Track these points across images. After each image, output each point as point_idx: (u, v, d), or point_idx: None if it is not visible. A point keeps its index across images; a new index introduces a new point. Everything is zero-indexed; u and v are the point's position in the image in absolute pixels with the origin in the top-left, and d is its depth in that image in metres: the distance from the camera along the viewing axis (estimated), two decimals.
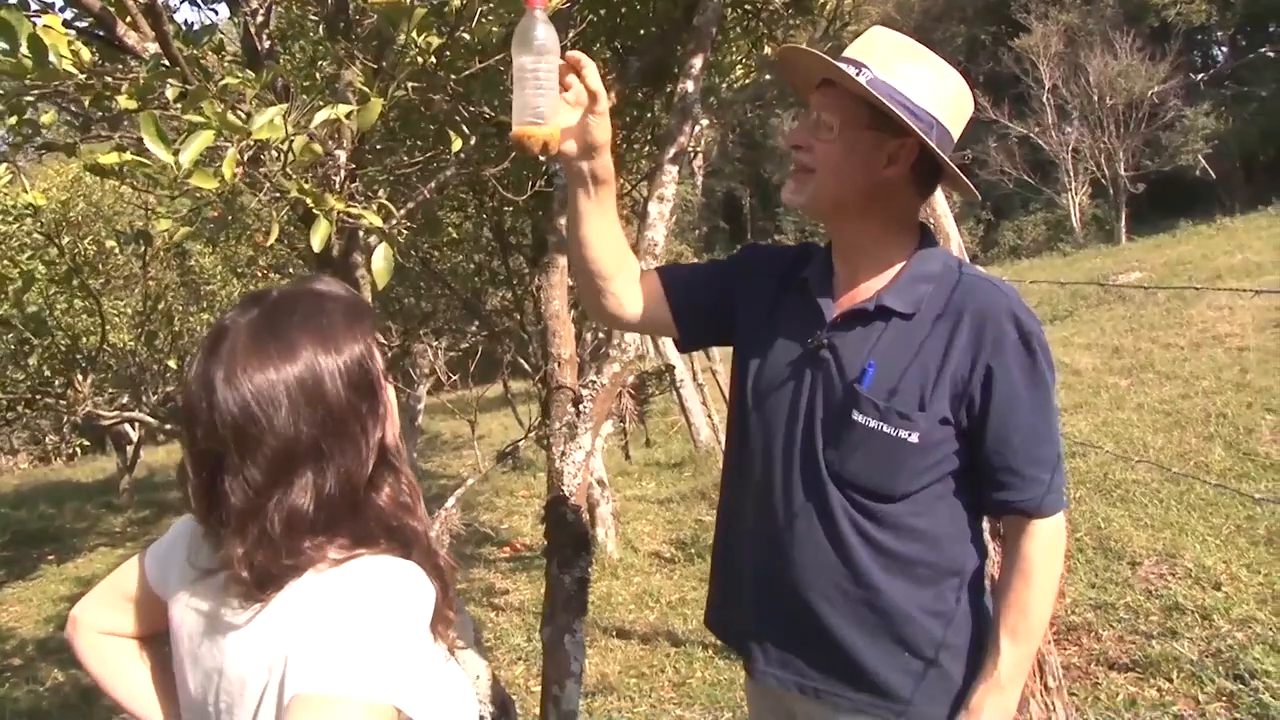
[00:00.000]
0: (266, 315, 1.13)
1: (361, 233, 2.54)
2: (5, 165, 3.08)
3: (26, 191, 2.71)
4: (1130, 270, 16.69)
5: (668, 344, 9.34)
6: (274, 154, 1.72)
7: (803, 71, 1.72)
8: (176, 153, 1.58)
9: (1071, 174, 31.57)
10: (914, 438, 1.59)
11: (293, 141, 1.68)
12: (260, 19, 2.92)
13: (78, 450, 19.86)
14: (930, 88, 1.61)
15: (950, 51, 36.05)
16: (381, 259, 1.78)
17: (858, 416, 1.62)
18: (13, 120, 2.45)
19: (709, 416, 9.60)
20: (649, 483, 9.37)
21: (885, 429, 1.60)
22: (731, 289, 1.88)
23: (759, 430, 1.77)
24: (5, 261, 2.96)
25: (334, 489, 1.10)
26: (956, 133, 1.67)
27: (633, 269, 1.84)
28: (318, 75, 3.80)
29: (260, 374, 1.08)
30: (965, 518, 1.70)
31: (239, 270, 9.70)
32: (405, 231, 4.58)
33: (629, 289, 1.83)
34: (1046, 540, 1.64)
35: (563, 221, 2.95)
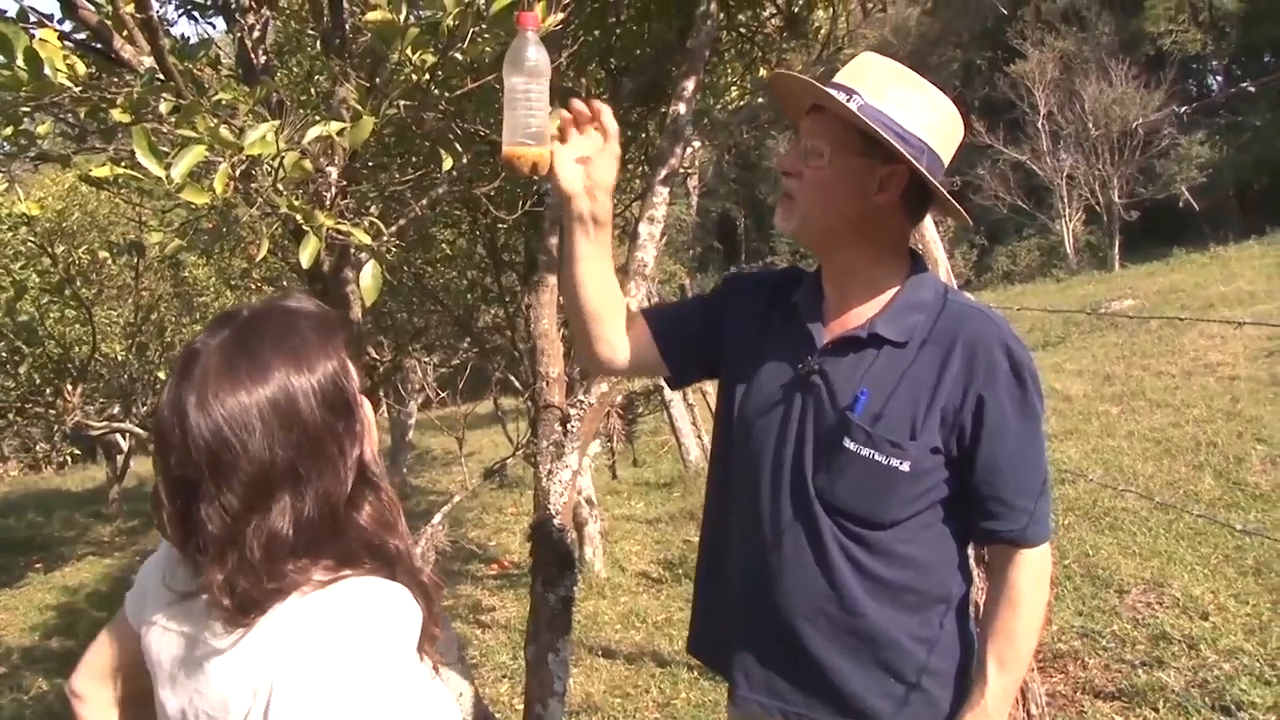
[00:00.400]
0: (237, 336, 1.11)
1: (353, 249, 2.55)
2: (0, 174, 3.08)
3: (21, 201, 2.71)
4: (1123, 297, 16.73)
5: None
6: (266, 169, 1.73)
7: (794, 97, 1.73)
8: (169, 167, 1.59)
9: (1066, 200, 31.70)
10: (905, 466, 1.60)
11: (284, 158, 1.69)
12: (256, 34, 2.94)
13: (68, 459, 19.78)
14: (921, 114, 1.62)
15: (946, 76, 36.27)
16: (370, 276, 1.78)
17: (849, 444, 1.62)
18: (9, 131, 2.47)
19: (699, 437, 9.59)
20: (638, 502, 9.36)
21: (876, 457, 1.61)
22: (717, 321, 1.89)
23: (746, 454, 1.77)
24: None
25: (313, 511, 1.08)
26: (947, 158, 1.68)
27: (622, 313, 1.85)
28: (313, 91, 3.81)
29: (232, 398, 1.06)
30: (953, 545, 1.71)
31: (232, 282, 9.71)
32: (397, 248, 4.59)
33: (618, 335, 1.84)
34: (1033, 569, 1.65)
35: (554, 241, 2.97)
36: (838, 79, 1.65)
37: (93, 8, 2.28)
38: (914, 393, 1.62)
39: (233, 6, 2.95)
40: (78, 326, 4.97)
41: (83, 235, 7.81)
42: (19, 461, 21.39)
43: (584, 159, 1.62)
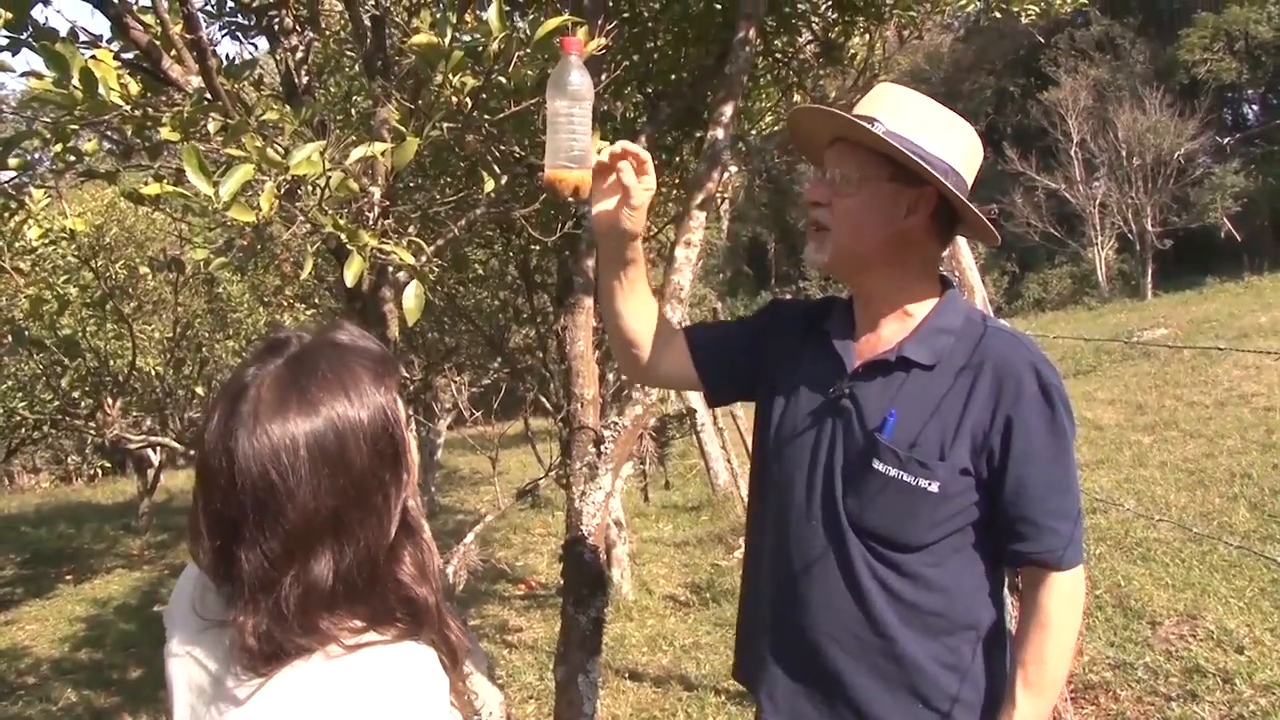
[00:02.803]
0: (289, 371, 1.08)
1: (391, 268, 2.57)
2: (45, 189, 3.14)
3: (65, 216, 2.76)
4: (1156, 326, 16.61)
5: (689, 392, 9.34)
6: (310, 189, 1.75)
7: (813, 132, 1.76)
8: (216, 185, 1.61)
9: (1098, 228, 31.53)
10: (934, 487, 1.60)
11: (330, 177, 1.71)
12: (300, 55, 2.98)
13: (99, 471, 19.99)
14: (942, 137, 1.64)
15: (979, 103, 36.27)
16: (413, 296, 1.80)
17: (878, 465, 1.63)
18: (58, 148, 2.51)
19: (728, 461, 9.57)
20: (666, 525, 9.34)
21: (905, 478, 1.61)
22: (756, 345, 1.91)
23: (779, 477, 1.79)
24: (41, 284, 3.01)
25: (353, 563, 1.06)
26: (970, 178, 1.70)
27: (664, 333, 1.91)
28: (353, 111, 3.85)
29: (281, 437, 1.03)
30: (983, 571, 1.70)
31: (266, 299, 9.80)
32: (436, 268, 4.62)
33: (659, 352, 1.90)
34: (1065, 593, 1.64)
35: (589, 263, 2.98)
36: (857, 111, 1.68)
37: (142, 28, 2.32)
38: (942, 414, 1.62)
39: (275, 28, 2.99)
40: (115, 341, 5.02)
41: (120, 250, 7.91)
42: (50, 474, 21.66)
43: (620, 201, 1.66)
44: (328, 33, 3.96)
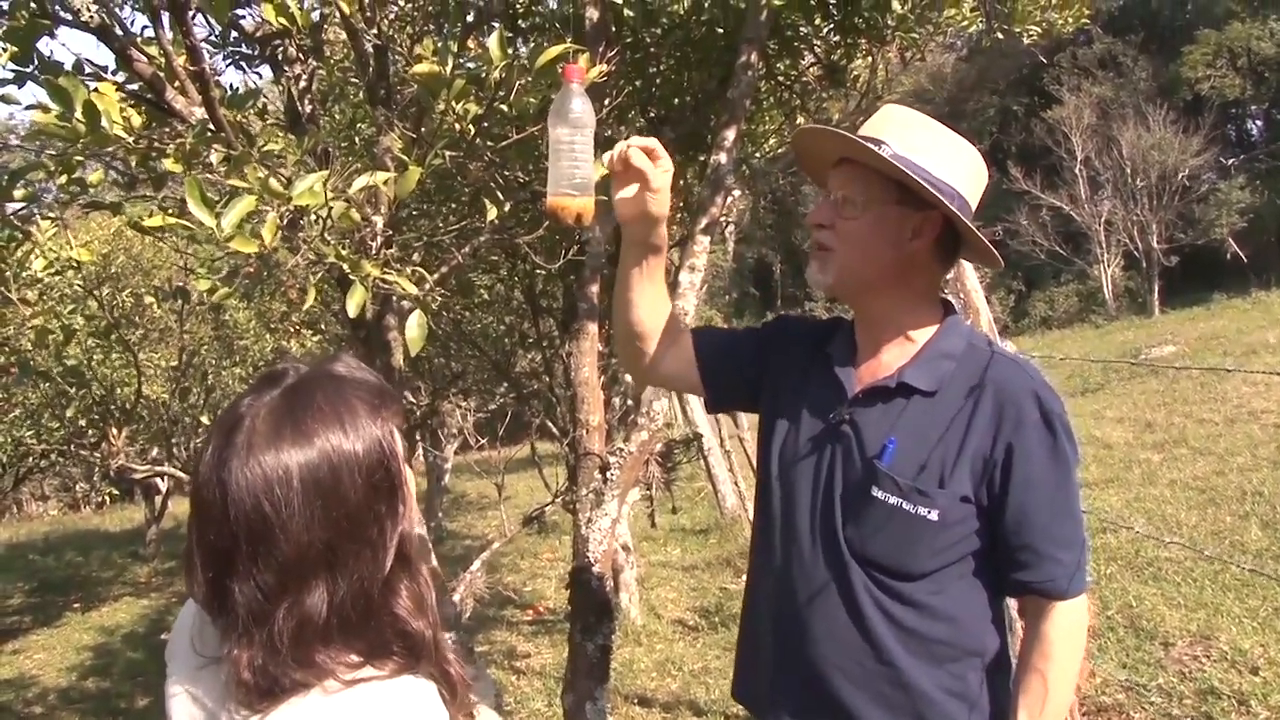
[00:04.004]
0: (284, 402, 1.07)
1: (395, 296, 2.57)
2: (51, 220, 3.15)
3: (71, 246, 2.76)
4: (1164, 343, 16.55)
5: (697, 411, 9.35)
6: (313, 219, 1.75)
7: (818, 153, 1.76)
8: (218, 216, 1.61)
9: (1104, 246, 31.49)
10: (934, 515, 1.59)
11: (332, 208, 1.71)
12: (303, 84, 3.00)
13: (107, 499, 19.98)
14: (948, 160, 1.64)
15: (982, 122, 36.34)
16: (415, 326, 1.80)
17: (877, 493, 1.62)
18: (63, 179, 2.52)
19: (735, 484, 9.54)
20: (674, 549, 9.30)
21: (905, 506, 1.60)
22: (761, 357, 1.91)
23: (781, 504, 1.78)
24: (47, 314, 3.02)
25: (348, 597, 1.04)
26: (975, 202, 1.70)
27: (672, 331, 1.90)
28: (356, 139, 3.86)
29: (275, 470, 1.02)
30: (987, 598, 1.68)
31: (272, 326, 9.81)
32: (439, 295, 4.62)
33: (664, 350, 1.90)
34: (1067, 623, 1.62)
35: (594, 289, 2.98)
36: (863, 132, 1.67)
37: (146, 60, 2.33)
38: (943, 441, 1.61)
39: (279, 57, 3.01)
40: (121, 370, 5.03)
41: (127, 279, 7.94)
42: (59, 501, 21.67)
43: (640, 187, 1.65)
44: (332, 60, 3.98)
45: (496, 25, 1.92)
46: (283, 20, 1.85)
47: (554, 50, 1.79)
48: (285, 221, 1.82)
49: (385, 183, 1.87)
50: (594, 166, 1.70)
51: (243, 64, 3.30)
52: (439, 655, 1.13)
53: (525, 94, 1.87)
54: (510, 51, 1.81)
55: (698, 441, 9.40)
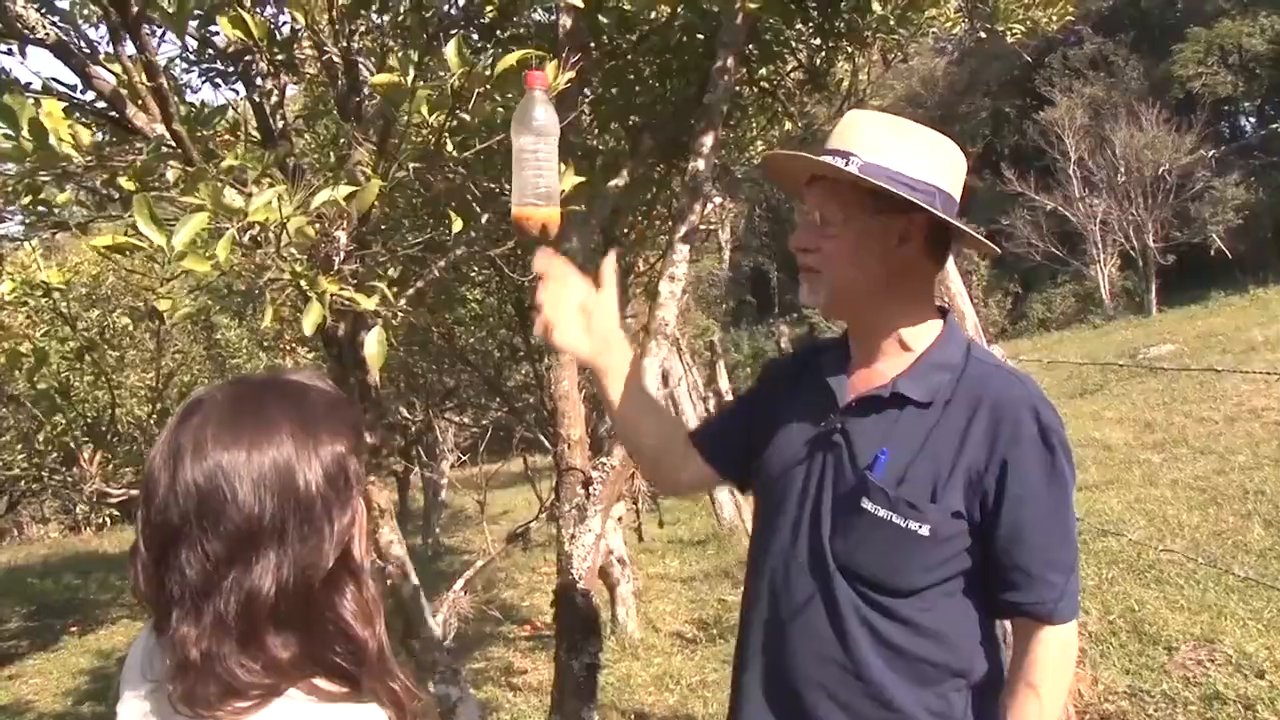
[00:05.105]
0: (247, 393, 1.09)
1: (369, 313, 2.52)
2: (33, 242, 3.10)
3: (40, 269, 2.72)
4: (1162, 342, 16.49)
5: (692, 421, 9.29)
6: (270, 235, 1.70)
7: (789, 174, 1.72)
8: (169, 235, 1.56)
9: (1100, 246, 31.42)
10: (924, 530, 1.53)
11: (287, 223, 1.66)
12: (275, 99, 2.95)
13: (107, 520, 19.90)
14: (922, 158, 1.58)
15: (975, 125, 36.36)
16: (375, 342, 1.74)
17: (867, 505, 1.56)
18: (26, 200, 2.48)
19: (732, 493, 9.47)
20: (672, 560, 9.23)
21: (895, 519, 1.54)
22: (755, 415, 1.87)
23: (772, 516, 1.73)
24: (18, 339, 2.96)
25: (290, 579, 1.03)
26: (958, 194, 1.64)
27: (678, 441, 1.91)
28: (333, 155, 3.82)
29: (231, 450, 1.02)
30: (977, 618, 1.62)
31: (265, 344, 9.75)
32: (424, 308, 4.57)
33: (678, 464, 1.91)
34: (1056, 648, 1.57)
35: None
36: (830, 144, 1.62)
37: (111, 77, 2.28)
38: (936, 455, 1.56)
39: (252, 72, 2.96)
40: (98, 394, 4.98)
41: (118, 300, 7.88)
42: (59, 523, 21.58)
43: (583, 312, 1.69)
44: (310, 76, 3.94)
45: (457, 33, 1.87)
46: (238, 33, 1.80)
47: (512, 56, 1.73)
48: (245, 238, 1.77)
49: (346, 198, 1.81)
50: (559, 175, 1.66)
51: (219, 80, 3.26)
52: (384, 670, 1.11)
53: (484, 101, 1.81)
54: (469, 57, 1.75)
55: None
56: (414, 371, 8.44)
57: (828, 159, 1.57)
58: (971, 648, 1.62)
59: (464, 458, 9.53)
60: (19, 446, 6.62)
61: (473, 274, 5.13)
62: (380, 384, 2.73)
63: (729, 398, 10.81)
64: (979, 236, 1.66)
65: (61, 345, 3.53)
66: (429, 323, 5.70)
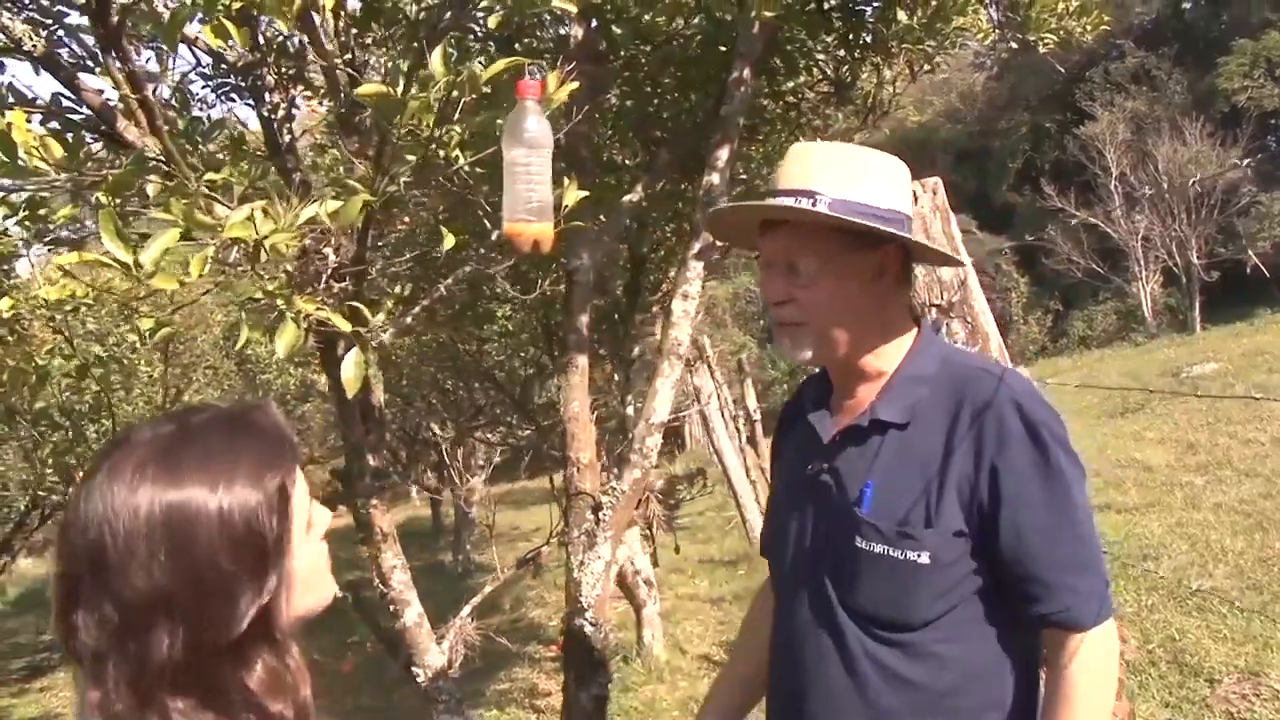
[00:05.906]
0: (170, 439, 0.99)
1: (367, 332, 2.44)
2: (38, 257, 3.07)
3: (40, 285, 2.67)
4: (1206, 361, 16.13)
5: (721, 438, 9.18)
6: (245, 253, 1.62)
7: (737, 225, 1.65)
8: (136, 251, 1.48)
9: (1142, 262, 30.94)
10: (923, 558, 1.43)
11: (266, 241, 1.57)
12: (281, 113, 2.89)
13: None
14: (884, 184, 1.50)
15: (1015, 140, 36.02)
16: (351, 366, 1.66)
17: (860, 543, 1.47)
18: (22, 215, 2.43)
19: (763, 513, 9.35)
20: (702, 580, 9.10)
21: (892, 552, 1.44)
22: (778, 479, 1.82)
23: (778, 564, 1.67)
24: (23, 356, 2.92)
25: (188, 651, 0.94)
26: (911, 210, 1.57)
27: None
28: (343, 171, 3.78)
29: (126, 500, 0.94)
30: (1004, 642, 1.50)
31: (297, 360, 9.76)
32: (440, 325, 4.50)
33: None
34: (1091, 655, 1.43)
35: (583, 319, 2.83)
36: (785, 185, 1.51)
37: (109, 92, 2.24)
38: (923, 475, 1.45)
39: (259, 86, 2.91)
40: (101, 414, 4.97)
41: (126, 316, 7.89)
42: None
43: None
44: (322, 90, 3.90)
45: (443, 42, 1.80)
46: (219, 42, 1.73)
47: (499, 64, 1.64)
48: (228, 256, 1.69)
49: (330, 214, 1.73)
50: (552, 189, 1.58)
51: (232, 95, 3.22)
52: None
53: (473, 112, 1.73)
54: (454, 66, 1.67)
55: (702, 475, 9.15)
56: (444, 389, 8.40)
57: (787, 201, 1.47)
58: (1000, 676, 1.50)
59: (470, 478, 9.49)
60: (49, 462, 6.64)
61: (499, 291, 5.06)
62: (408, 401, 2.65)
63: (756, 417, 10.70)
64: (945, 252, 1.64)
65: (66, 362, 3.49)
66: (454, 339, 5.64)
